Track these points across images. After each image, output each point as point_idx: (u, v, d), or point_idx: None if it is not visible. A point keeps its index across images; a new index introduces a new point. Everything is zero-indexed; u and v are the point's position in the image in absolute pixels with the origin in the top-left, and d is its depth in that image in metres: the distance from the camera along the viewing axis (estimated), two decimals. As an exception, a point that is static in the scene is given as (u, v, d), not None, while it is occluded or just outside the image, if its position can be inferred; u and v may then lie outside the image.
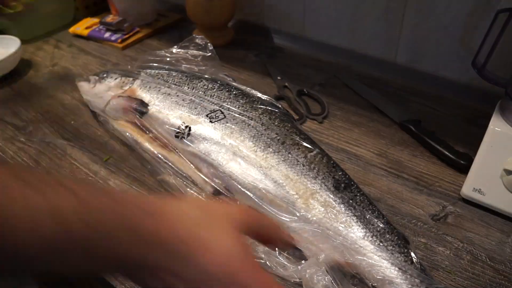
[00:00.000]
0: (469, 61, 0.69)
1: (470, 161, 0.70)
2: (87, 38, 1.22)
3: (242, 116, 0.72)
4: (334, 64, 1.06)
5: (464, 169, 0.72)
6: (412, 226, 0.65)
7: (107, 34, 1.20)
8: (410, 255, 0.56)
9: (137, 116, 0.77)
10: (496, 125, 0.64)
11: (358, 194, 0.63)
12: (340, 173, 0.65)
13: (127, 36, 1.20)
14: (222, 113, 0.72)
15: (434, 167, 0.76)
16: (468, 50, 0.88)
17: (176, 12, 1.33)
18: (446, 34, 0.90)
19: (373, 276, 0.54)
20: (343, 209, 0.60)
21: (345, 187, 0.63)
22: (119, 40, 1.18)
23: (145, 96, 0.79)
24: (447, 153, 0.75)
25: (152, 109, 0.76)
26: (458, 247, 0.62)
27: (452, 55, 0.91)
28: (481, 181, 0.66)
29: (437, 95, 0.93)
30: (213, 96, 0.76)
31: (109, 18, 1.21)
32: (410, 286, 0.53)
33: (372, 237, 0.57)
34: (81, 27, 1.25)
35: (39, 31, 1.26)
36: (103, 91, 0.84)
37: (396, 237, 0.58)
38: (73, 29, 1.25)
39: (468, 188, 0.67)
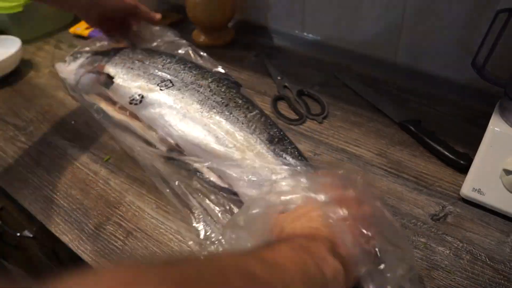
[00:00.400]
0: (469, 61, 0.69)
1: (469, 161, 0.70)
2: (88, 38, 1.22)
3: (192, 84, 0.81)
4: (334, 64, 1.06)
5: (463, 169, 0.72)
6: (412, 226, 0.65)
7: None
8: None
9: (104, 87, 0.87)
10: (495, 125, 0.64)
11: (290, 147, 0.71)
12: (275, 130, 0.74)
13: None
14: (171, 82, 0.82)
15: (433, 167, 0.76)
16: (467, 50, 0.88)
17: (176, 12, 1.33)
18: (446, 34, 0.90)
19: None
20: (274, 159, 0.68)
21: (278, 141, 0.71)
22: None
23: (111, 70, 0.89)
24: (446, 153, 0.75)
25: (117, 81, 0.86)
26: (458, 247, 0.62)
27: (451, 55, 0.92)
28: (481, 181, 0.66)
29: (436, 95, 0.93)
30: (170, 68, 0.86)
31: (109, 18, 1.21)
32: None
33: (288, 167, 0.65)
34: (81, 27, 1.25)
35: (39, 31, 1.26)
36: (76, 68, 0.96)
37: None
38: (73, 29, 1.25)
39: (467, 188, 0.67)
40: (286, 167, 0.66)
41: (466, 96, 0.90)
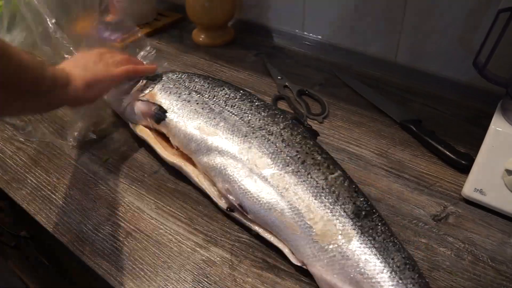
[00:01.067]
0: (470, 61, 0.69)
1: (471, 161, 0.69)
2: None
3: (261, 130, 0.67)
4: (335, 64, 1.06)
5: (465, 169, 0.72)
6: (413, 226, 0.65)
7: (106, 34, 1.20)
8: None
9: (154, 122, 0.75)
10: (497, 125, 0.64)
11: (380, 224, 0.57)
12: (362, 199, 0.59)
13: (126, 35, 1.19)
14: (236, 125, 0.69)
15: (435, 167, 0.75)
16: (469, 50, 0.88)
17: (176, 12, 1.32)
18: (447, 34, 0.90)
19: None
20: (362, 239, 0.55)
21: (366, 215, 0.57)
22: (118, 40, 1.17)
23: (164, 101, 0.76)
24: (448, 153, 0.75)
25: (171, 116, 0.73)
26: (459, 248, 0.62)
27: (453, 55, 0.91)
28: (482, 181, 0.65)
29: (437, 95, 0.93)
30: (234, 106, 0.72)
31: (109, 18, 1.21)
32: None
33: (391, 272, 0.52)
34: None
35: (38, 30, 1.25)
36: (124, 93, 0.82)
37: (417, 275, 0.52)
38: (72, 29, 1.25)
39: (469, 188, 0.67)
40: (374, 250, 0.54)
41: (468, 96, 0.90)
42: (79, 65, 0.71)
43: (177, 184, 0.74)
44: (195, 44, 1.18)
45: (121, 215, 0.69)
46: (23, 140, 0.85)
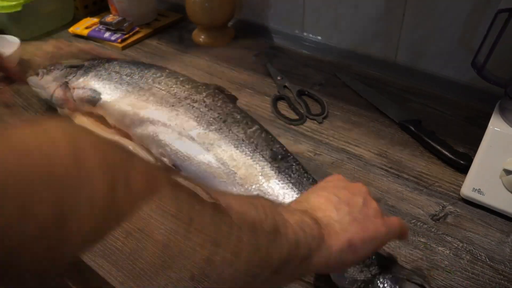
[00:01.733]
0: (469, 61, 0.69)
1: (470, 161, 0.70)
2: (87, 38, 1.22)
3: (187, 99, 0.76)
4: (334, 64, 1.06)
5: (464, 169, 0.72)
6: (412, 226, 0.65)
7: (106, 34, 1.20)
8: None
9: (91, 105, 0.81)
10: (495, 125, 0.64)
11: (294, 164, 0.67)
12: (278, 146, 0.70)
13: (127, 36, 1.20)
14: (163, 97, 0.77)
15: (434, 167, 0.76)
16: (467, 50, 0.88)
17: (176, 12, 1.33)
18: (446, 34, 0.90)
19: None
20: (279, 177, 0.65)
21: (281, 158, 0.68)
22: (119, 40, 1.18)
23: (98, 86, 0.82)
24: (446, 153, 0.75)
25: (105, 98, 0.80)
26: (458, 247, 0.62)
27: (452, 55, 0.91)
28: (481, 181, 0.66)
29: (437, 95, 0.93)
30: (161, 83, 0.80)
31: (109, 18, 1.21)
32: None
33: None
34: (81, 27, 1.25)
35: (38, 31, 1.26)
36: (49, 82, 0.87)
37: None
38: (72, 29, 1.25)
39: (467, 188, 0.67)
40: (291, 185, 0.63)
41: (466, 96, 0.90)
42: (340, 212, 0.47)
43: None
44: (195, 44, 1.18)
45: (122, 214, 0.69)
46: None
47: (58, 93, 0.85)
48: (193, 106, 0.75)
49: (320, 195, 0.49)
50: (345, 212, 0.47)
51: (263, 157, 0.67)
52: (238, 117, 0.74)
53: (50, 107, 0.90)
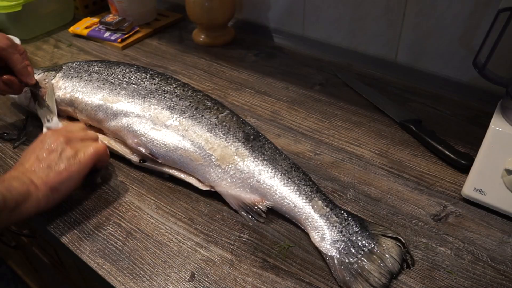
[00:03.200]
0: (470, 61, 0.69)
1: (471, 160, 0.69)
2: (87, 37, 1.22)
3: (158, 91, 0.80)
4: (335, 64, 1.06)
5: (465, 169, 0.72)
6: (413, 226, 0.65)
7: (106, 34, 1.20)
8: (316, 186, 0.67)
9: (63, 104, 0.85)
10: (497, 124, 0.64)
11: (266, 143, 0.72)
12: (249, 128, 0.75)
13: (127, 35, 1.19)
14: (135, 91, 0.81)
15: (435, 166, 0.75)
16: (468, 50, 0.88)
17: (176, 12, 1.33)
18: (447, 34, 0.90)
19: (285, 206, 0.65)
20: (253, 156, 0.70)
21: (254, 138, 0.73)
22: (119, 40, 1.18)
23: (67, 85, 0.85)
24: (448, 152, 0.75)
25: (76, 95, 0.83)
26: (459, 247, 0.62)
27: (452, 55, 0.91)
28: (482, 181, 0.66)
29: (437, 95, 0.93)
30: (131, 77, 0.84)
31: (109, 18, 1.21)
32: (313, 208, 0.64)
33: (281, 175, 0.67)
34: (81, 26, 1.25)
35: (38, 30, 1.26)
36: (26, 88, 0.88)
37: (302, 173, 0.68)
38: (72, 29, 1.25)
39: (469, 188, 0.67)
40: (265, 162, 0.69)
41: (467, 96, 0.90)
42: (41, 164, 0.64)
43: (177, 184, 0.74)
44: (195, 44, 1.18)
45: (122, 215, 0.69)
46: (23, 140, 0.85)
47: (24, 96, 0.88)
48: (165, 97, 0.79)
49: (30, 157, 0.65)
50: (44, 166, 0.64)
51: (236, 138, 0.72)
52: (209, 104, 0.78)
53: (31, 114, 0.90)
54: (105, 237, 0.65)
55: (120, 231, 0.66)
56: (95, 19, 1.27)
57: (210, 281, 0.58)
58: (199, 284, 0.58)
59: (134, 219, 0.68)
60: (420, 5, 0.90)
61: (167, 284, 0.59)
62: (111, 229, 0.66)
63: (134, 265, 0.61)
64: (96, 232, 0.66)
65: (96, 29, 1.22)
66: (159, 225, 0.67)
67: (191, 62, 1.10)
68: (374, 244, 0.60)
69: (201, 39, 1.17)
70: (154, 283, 0.59)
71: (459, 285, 0.57)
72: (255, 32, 1.22)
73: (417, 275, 0.58)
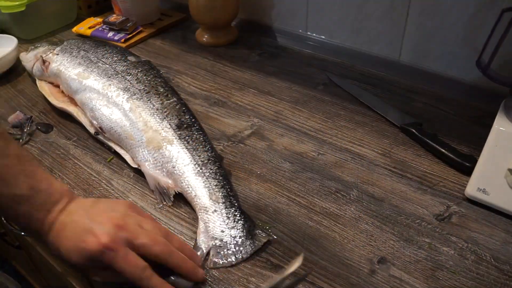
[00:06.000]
0: (473, 61, 0.69)
1: (474, 162, 0.69)
2: (90, 37, 1.22)
3: (123, 72, 0.87)
4: (337, 64, 1.06)
5: (468, 171, 0.71)
6: (416, 226, 0.65)
7: (110, 34, 1.20)
8: (225, 183, 0.69)
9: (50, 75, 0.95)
10: (500, 124, 0.64)
11: (196, 133, 0.77)
12: (187, 117, 0.79)
13: (130, 35, 1.20)
14: (105, 70, 0.88)
15: (438, 166, 0.75)
16: (472, 49, 0.88)
17: (180, 12, 1.33)
18: (450, 33, 0.89)
19: (188, 194, 0.69)
20: (178, 143, 0.74)
21: (186, 127, 0.77)
22: (122, 40, 1.18)
23: (59, 58, 0.95)
24: (451, 155, 0.74)
25: (60, 68, 0.92)
26: (463, 247, 0.62)
27: (456, 55, 0.91)
28: (486, 181, 0.65)
29: (441, 95, 0.92)
30: (108, 58, 0.91)
31: (112, 18, 1.21)
32: (210, 202, 0.66)
33: (195, 164, 0.71)
34: (84, 26, 1.25)
35: (42, 30, 1.26)
36: (31, 57, 1.02)
37: (216, 168, 0.71)
38: (76, 29, 1.25)
39: (472, 188, 0.67)
40: (186, 150, 0.73)
41: (471, 96, 0.90)
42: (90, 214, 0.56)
43: (180, 184, 0.74)
44: (198, 44, 1.18)
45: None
46: (26, 139, 0.85)
47: (36, 66, 0.99)
48: (126, 79, 0.86)
49: (93, 215, 0.56)
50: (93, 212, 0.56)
51: (170, 125, 0.77)
52: (161, 90, 0.84)
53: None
54: (108, 237, 0.65)
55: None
56: (99, 19, 1.27)
57: (214, 281, 0.59)
58: (203, 284, 0.58)
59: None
60: (424, 4, 0.90)
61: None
62: (115, 229, 0.66)
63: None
64: (100, 231, 0.66)
65: (100, 29, 1.23)
66: (163, 225, 0.67)
67: (195, 62, 1.10)
68: (250, 254, 0.61)
69: (204, 39, 1.17)
70: (157, 282, 0.59)
71: (462, 285, 0.57)
72: (258, 32, 1.22)
73: (420, 275, 0.58)
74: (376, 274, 0.59)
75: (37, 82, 0.99)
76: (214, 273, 0.59)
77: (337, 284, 0.57)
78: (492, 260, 0.60)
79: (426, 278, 0.58)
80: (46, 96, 0.94)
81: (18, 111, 0.90)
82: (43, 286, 1.59)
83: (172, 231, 0.66)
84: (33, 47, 1.05)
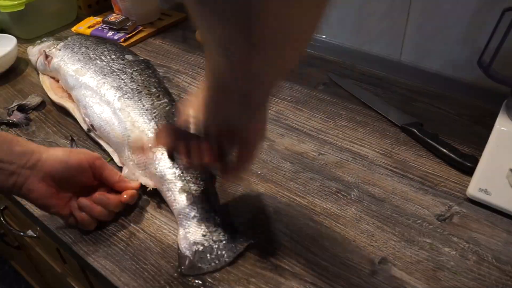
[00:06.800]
0: (474, 60, 0.69)
1: (475, 162, 0.69)
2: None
3: (119, 71, 0.87)
4: (338, 63, 1.06)
5: (470, 172, 0.71)
6: (417, 226, 0.65)
7: (110, 33, 1.20)
8: (204, 188, 0.68)
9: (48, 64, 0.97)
10: (502, 124, 0.63)
11: None
12: (175, 119, 0.78)
13: (130, 35, 1.19)
14: (101, 67, 0.88)
15: (439, 167, 0.75)
16: (473, 49, 0.87)
17: (180, 11, 1.33)
18: (451, 33, 0.89)
19: (167, 198, 0.68)
20: None
21: None
22: (122, 39, 1.18)
23: (61, 53, 0.96)
24: (452, 155, 0.74)
25: (60, 63, 0.93)
26: (464, 248, 0.61)
27: (457, 54, 0.91)
28: (487, 181, 0.65)
29: (442, 95, 0.92)
30: (106, 56, 0.92)
31: (112, 17, 1.21)
32: (189, 206, 0.65)
33: (176, 169, 0.69)
34: (84, 26, 1.25)
35: (41, 30, 1.26)
36: (36, 52, 1.04)
37: (198, 173, 0.69)
38: (75, 28, 1.25)
39: (474, 188, 0.67)
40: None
41: (472, 95, 0.90)
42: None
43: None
44: (198, 44, 1.18)
45: (125, 215, 0.69)
46: (26, 139, 0.85)
47: (40, 60, 1.01)
48: (120, 77, 0.85)
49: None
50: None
51: (157, 126, 0.76)
52: (154, 90, 0.84)
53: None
54: (108, 238, 0.65)
55: (123, 231, 0.66)
56: (98, 19, 1.27)
57: (214, 281, 0.58)
58: (203, 284, 0.58)
59: (137, 219, 0.68)
60: (425, 3, 0.90)
61: (171, 285, 0.58)
62: (114, 230, 0.66)
63: (137, 266, 0.61)
64: (99, 232, 0.66)
65: (99, 28, 1.23)
66: (163, 225, 0.67)
67: (195, 61, 1.10)
68: (233, 258, 0.61)
69: (204, 38, 1.17)
70: (157, 284, 0.59)
71: (463, 286, 0.57)
72: (258, 32, 1.21)
73: (421, 276, 0.58)
74: (377, 274, 0.58)
75: (40, 76, 1.01)
76: (214, 273, 0.59)
77: (338, 285, 0.57)
78: (494, 261, 0.59)
79: (427, 278, 0.57)
80: (46, 90, 0.95)
81: (15, 111, 0.91)
82: (43, 286, 1.59)
83: (172, 231, 0.66)
84: (39, 41, 1.07)
